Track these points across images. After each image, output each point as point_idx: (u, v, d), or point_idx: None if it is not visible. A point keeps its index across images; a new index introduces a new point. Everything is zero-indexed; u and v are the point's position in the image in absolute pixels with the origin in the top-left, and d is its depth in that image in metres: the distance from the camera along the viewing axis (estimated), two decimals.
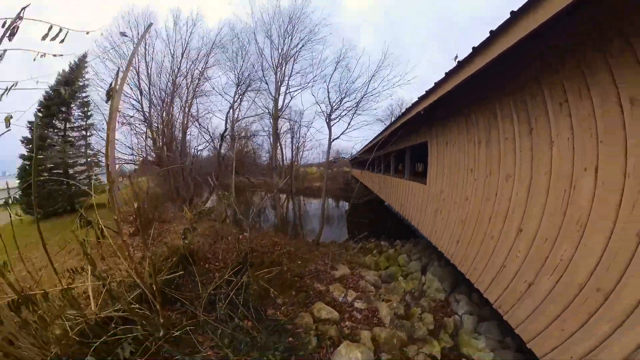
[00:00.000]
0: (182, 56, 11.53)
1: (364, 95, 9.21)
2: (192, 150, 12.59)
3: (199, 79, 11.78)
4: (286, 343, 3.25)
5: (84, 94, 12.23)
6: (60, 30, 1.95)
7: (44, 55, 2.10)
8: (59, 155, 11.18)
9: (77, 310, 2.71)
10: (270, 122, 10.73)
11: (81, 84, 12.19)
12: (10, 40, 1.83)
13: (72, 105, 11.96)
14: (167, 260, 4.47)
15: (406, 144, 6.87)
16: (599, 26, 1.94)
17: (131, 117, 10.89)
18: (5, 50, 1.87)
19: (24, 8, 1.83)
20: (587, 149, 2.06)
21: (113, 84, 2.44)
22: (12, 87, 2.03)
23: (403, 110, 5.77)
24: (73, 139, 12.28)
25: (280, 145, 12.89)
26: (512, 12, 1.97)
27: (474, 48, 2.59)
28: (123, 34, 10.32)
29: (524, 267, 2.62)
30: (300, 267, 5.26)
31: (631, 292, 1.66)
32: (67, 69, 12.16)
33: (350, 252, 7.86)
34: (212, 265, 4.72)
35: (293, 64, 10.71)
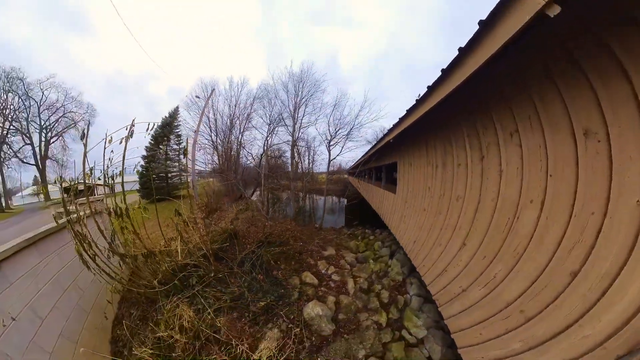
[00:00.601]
0: (235, 106, 16.23)
1: (352, 127, 12.32)
2: (243, 164, 17.11)
3: (246, 120, 16.26)
4: (279, 293, 3.99)
5: (176, 130, 17.98)
6: (154, 124, 3.60)
7: (149, 133, 3.72)
8: (162, 167, 16.75)
9: (172, 258, 3.93)
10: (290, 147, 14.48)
11: (176, 123, 17.96)
12: (130, 137, 3.21)
13: (170, 137, 17.36)
14: (222, 235, 5.47)
15: (382, 162, 6.98)
16: (547, 49, 1.50)
17: (205, 144, 15.65)
18: (129, 137, 3.29)
19: (133, 119, 3.23)
20: (535, 182, 1.68)
21: (186, 146, 4.04)
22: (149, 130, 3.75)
23: (382, 135, 6.20)
24: (171, 157, 17.55)
25: (301, 158, 16.23)
26: (459, 48, 1.65)
27: (428, 87, 2.30)
28: (197, 97, 15.20)
29: (461, 275, 2.42)
30: (300, 247, 5.62)
31: (552, 323, 1.40)
32: (167, 115, 18.18)
33: (341, 237, 8.02)
34: (246, 240, 5.48)
35: (305, 108, 13.86)
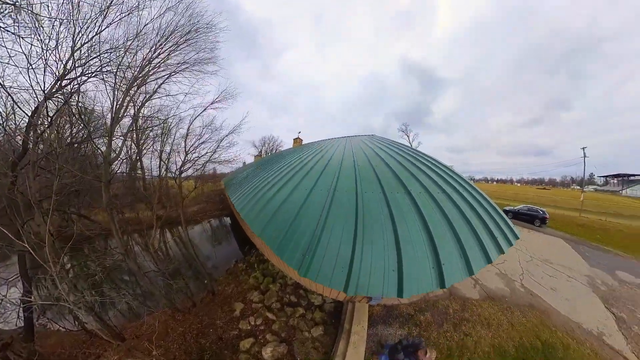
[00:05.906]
0: None
1: (214, 151, 9.11)
2: None
3: None
4: None
5: None
6: None
7: None
8: None
9: None
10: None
11: None
12: None
13: None
14: None
15: None
16: None
17: None
18: None
19: None
20: None
21: None
22: None
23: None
24: None
25: (141, 163, 9.68)
26: None
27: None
28: None
29: None
30: (213, 333, 6.17)
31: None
32: None
33: (240, 279, 8.60)
34: None
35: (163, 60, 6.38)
